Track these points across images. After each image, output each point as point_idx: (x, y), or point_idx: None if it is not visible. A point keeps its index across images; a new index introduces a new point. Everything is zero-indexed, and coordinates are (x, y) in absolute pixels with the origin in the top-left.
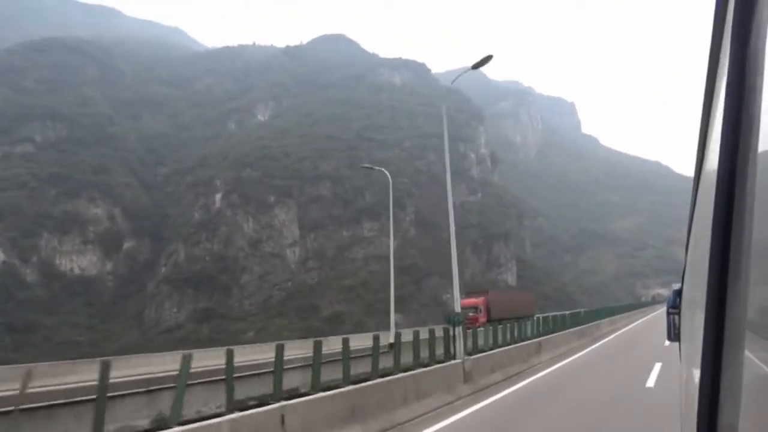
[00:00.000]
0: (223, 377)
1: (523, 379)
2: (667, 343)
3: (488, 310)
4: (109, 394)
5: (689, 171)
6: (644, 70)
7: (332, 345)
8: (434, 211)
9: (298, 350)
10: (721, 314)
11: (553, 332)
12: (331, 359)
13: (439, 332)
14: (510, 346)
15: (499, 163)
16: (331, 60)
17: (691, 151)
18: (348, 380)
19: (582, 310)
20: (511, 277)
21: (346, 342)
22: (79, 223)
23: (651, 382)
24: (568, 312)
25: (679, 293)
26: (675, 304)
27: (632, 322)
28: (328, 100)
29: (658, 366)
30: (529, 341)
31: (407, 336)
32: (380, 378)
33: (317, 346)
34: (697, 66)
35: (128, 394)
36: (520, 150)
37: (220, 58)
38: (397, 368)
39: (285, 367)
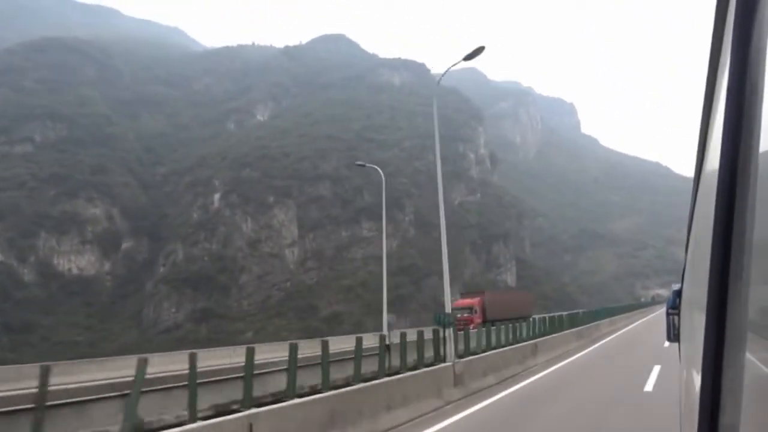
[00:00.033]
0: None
1: (518, 382)
2: (667, 344)
3: (484, 311)
4: (84, 398)
5: (689, 171)
6: (644, 71)
7: (333, 345)
8: (434, 212)
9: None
10: (722, 315)
11: (550, 333)
12: (315, 363)
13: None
14: (505, 348)
15: (498, 164)
16: (330, 60)
17: (691, 152)
18: (327, 385)
19: (580, 310)
20: (510, 278)
21: (325, 345)
22: (77, 223)
23: (650, 386)
24: (565, 313)
25: (678, 294)
26: (675, 305)
27: (632, 323)
28: (328, 101)
29: (657, 368)
30: (525, 343)
31: (398, 338)
32: (363, 382)
33: (293, 350)
34: (697, 66)
35: (105, 398)
36: (519, 150)
37: (219, 57)
38: (383, 372)
39: (271, 370)
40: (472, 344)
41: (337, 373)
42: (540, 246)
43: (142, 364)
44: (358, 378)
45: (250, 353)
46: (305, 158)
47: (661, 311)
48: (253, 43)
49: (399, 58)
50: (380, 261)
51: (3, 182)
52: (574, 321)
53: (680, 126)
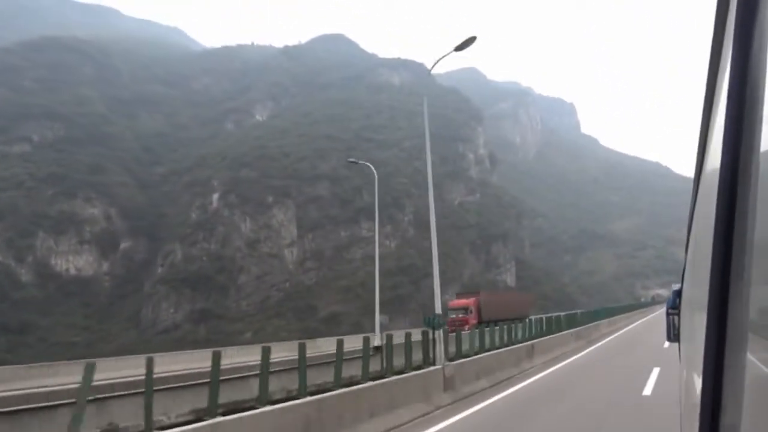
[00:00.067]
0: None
1: (512, 386)
2: (667, 344)
3: (479, 312)
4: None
5: (689, 171)
6: (644, 71)
7: (330, 347)
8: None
9: (286, 352)
10: (723, 315)
11: (547, 334)
12: (310, 364)
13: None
14: (499, 350)
15: (498, 164)
16: (329, 60)
17: (691, 152)
18: (304, 391)
19: (578, 311)
20: (510, 278)
21: (302, 347)
22: (75, 222)
23: (648, 390)
24: (563, 313)
25: (678, 294)
26: (675, 305)
27: (631, 323)
28: (327, 100)
29: (656, 371)
30: (520, 344)
31: (396, 339)
32: (345, 387)
33: (265, 353)
34: (697, 66)
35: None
36: (519, 150)
37: (218, 57)
38: (366, 376)
39: (255, 373)
40: (465, 346)
41: (326, 377)
42: (539, 246)
43: (90, 370)
44: (338, 383)
45: (216, 358)
46: (304, 158)
47: (660, 311)
48: (253, 43)
49: (398, 58)
50: (379, 261)
51: (1, 182)
52: (572, 321)
53: (680, 126)
